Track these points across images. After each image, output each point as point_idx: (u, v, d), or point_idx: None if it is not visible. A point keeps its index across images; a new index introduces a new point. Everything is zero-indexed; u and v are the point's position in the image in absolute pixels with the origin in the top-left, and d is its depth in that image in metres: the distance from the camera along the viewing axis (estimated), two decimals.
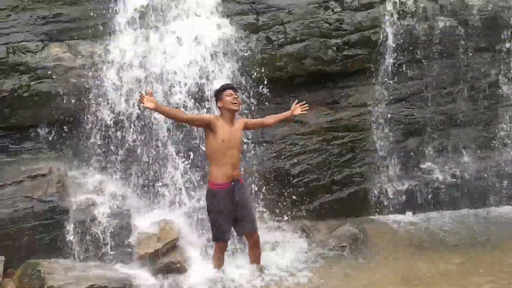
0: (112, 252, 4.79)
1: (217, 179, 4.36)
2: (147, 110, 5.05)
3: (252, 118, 5.53)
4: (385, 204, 6.07)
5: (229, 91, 4.43)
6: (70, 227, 4.78)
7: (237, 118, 4.63)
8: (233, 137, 4.41)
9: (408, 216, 6.03)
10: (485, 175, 6.30)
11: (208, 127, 4.38)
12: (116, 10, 5.62)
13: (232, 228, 4.53)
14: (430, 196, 6.16)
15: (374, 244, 5.29)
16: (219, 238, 4.47)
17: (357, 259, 5.02)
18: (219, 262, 4.64)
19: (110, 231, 4.84)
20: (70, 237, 4.76)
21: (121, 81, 5.41)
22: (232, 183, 4.36)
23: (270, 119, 4.90)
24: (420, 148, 6.26)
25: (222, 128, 4.34)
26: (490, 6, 6.28)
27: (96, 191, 5.09)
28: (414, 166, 6.23)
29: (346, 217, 5.84)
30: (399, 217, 6.01)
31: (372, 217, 6.00)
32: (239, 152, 4.56)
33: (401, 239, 5.44)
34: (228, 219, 4.38)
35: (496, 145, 6.44)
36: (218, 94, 4.50)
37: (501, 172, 6.34)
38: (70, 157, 5.40)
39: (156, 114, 5.24)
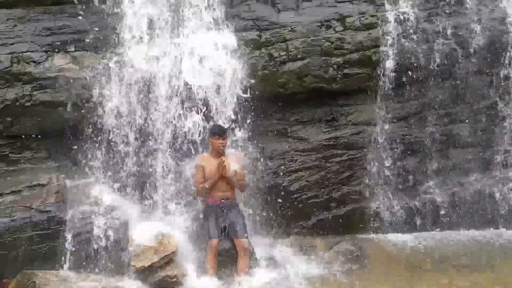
0: (108, 264, 4.78)
1: (210, 199, 5.18)
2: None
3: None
4: (383, 223, 6.06)
5: (217, 137, 5.20)
6: (67, 238, 4.77)
7: (231, 152, 5.36)
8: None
9: (407, 236, 5.98)
10: (484, 197, 6.31)
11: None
12: (120, 23, 5.69)
13: (223, 235, 5.03)
14: (429, 216, 6.16)
15: (372, 262, 5.27)
16: (210, 237, 4.96)
17: (355, 277, 5.00)
18: (212, 265, 4.79)
19: (107, 242, 4.83)
20: (67, 248, 4.75)
21: (124, 93, 5.45)
22: (222, 200, 5.12)
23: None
24: (419, 168, 6.26)
25: (209, 167, 5.15)
26: (490, 30, 6.36)
27: (95, 202, 5.08)
28: (413, 185, 6.24)
29: (343, 235, 5.83)
30: (397, 236, 5.97)
31: (370, 235, 5.97)
32: (230, 181, 5.15)
33: (400, 259, 5.42)
34: (216, 224, 5.02)
35: (496, 166, 6.46)
36: (210, 134, 5.29)
37: (501, 194, 6.35)
38: (70, 167, 5.43)
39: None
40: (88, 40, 5.68)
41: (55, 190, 4.99)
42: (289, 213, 5.85)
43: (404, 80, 6.22)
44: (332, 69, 6.06)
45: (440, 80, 6.30)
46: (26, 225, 4.76)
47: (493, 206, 6.34)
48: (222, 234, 5.00)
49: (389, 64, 6.12)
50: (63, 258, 4.73)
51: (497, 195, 6.36)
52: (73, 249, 4.76)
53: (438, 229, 6.17)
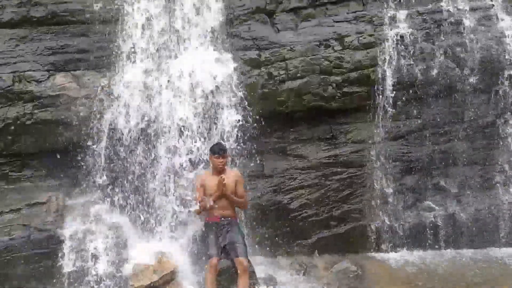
0: (107, 283, 4.74)
1: (210, 217, 5.12)
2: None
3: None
4: (383, 241, 6.04)
5: (216, 156, 5.18)
6: (65, 256, 4.76)
7: (232, 169, 5.33)
8: None
9: (407, 255, 5.98)
10: (484, 215, 6.29)
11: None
12: (121, 43, 5.76)
13: (223, 254, 4.96)
14: (428, 234, 6.14)
15: (373, 282, 5.24)
16: (210, 255, 4.89)
17: None
18: (211, 284, 4.73)
19: (106, 261, 4.81)
20: (65, 266, 4.73)
21: (124, 113, 5.49)
22: (222, 218, 5.03)
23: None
24: (419, 186, 6.27)
25: (209, 185, 5.11)
26: (486, 49, 6.43)
27: (94, 220, 5.07)
28: (412, 204, 6.24)
29: (344, 253, 5.81)
30: (397, 255, 5.95)
31: (370, 254, 5.94)
32: (230, 199, 5.07)
33: (401, 278, 5.38)
34: (216, 242, 4.97)
35: (494, 185, 6.46)
36: (210, 152, 5.27)
37: (500, 212, 6.34)
38: (69, 186, 5.42)
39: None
40: (89, 59, 5.75)
41: (54, 208, 5.00)
42: (289, 232, 5.83)
43: (402, 98, 6.27)
44: (331, 88, 6.11)
45: (438, 98, 6.35)
46: (24, 244, 4.74)
47: (493, 224, 6.31)
48: (222, 252, 4.97)
49: (388, 82, 6.18)
50: (61, 277, 4.69)
51: (496, 213, 6.34)
52: (72, 268, 4.73)
53: (438, 247, 6.14)
